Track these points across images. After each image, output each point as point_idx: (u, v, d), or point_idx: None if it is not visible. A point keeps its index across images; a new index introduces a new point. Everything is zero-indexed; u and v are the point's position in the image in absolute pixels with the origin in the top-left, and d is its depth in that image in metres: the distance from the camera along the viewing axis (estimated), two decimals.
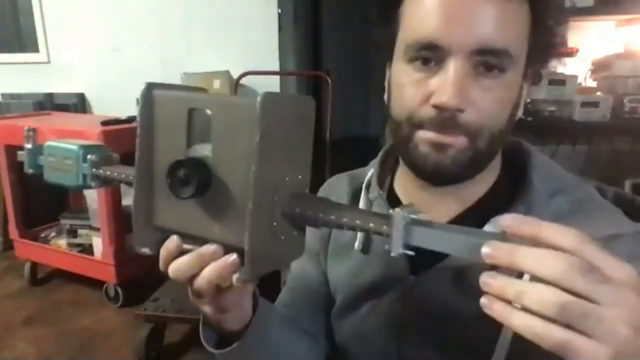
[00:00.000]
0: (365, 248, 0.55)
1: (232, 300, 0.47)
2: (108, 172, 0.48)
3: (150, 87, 0.43)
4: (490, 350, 0.50)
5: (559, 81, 2.20)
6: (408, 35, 0.51)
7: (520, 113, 0.56)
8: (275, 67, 2.89)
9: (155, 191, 0.43)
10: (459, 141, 0.50)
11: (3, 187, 2.47)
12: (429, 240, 0.35)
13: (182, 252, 0.43)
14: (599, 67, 2.35)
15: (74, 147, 0.47)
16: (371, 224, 0.37)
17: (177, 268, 0.43)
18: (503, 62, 0.48)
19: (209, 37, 2.93)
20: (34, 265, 2.51)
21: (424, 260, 0.52)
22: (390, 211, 0.35)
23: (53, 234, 2.54)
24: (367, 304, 0.61)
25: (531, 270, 0.30)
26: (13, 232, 2.50)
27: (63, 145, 0.48)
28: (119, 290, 2.23)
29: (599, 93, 2.31)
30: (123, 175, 0.47)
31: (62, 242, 2.45)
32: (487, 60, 0.48)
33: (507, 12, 0.47)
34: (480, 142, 0.50)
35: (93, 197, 2.23)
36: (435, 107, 0.49)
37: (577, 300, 0.28)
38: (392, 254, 0.35)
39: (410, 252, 0.35)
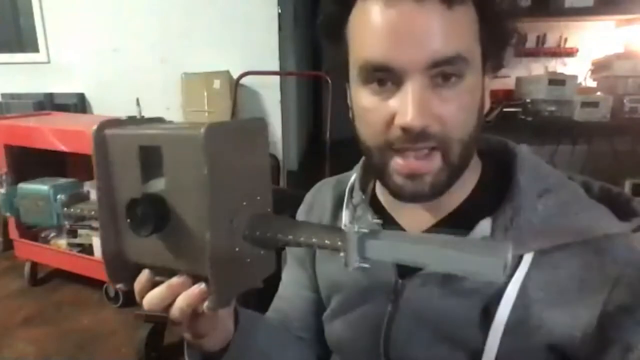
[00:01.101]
0: None
1: (208, 325, 0.48)
2: (79, 211, 0.49)
3: (102, 127, 0.43)
4: (479, 351, 0.51)
5: (559, 81, 2.20)
6: (358, 56, 0.50)
7: (487, 107, 0.55)
8: (275, 67, 2.89)
9: (120, 228, 0.44)
10: (434, 163, 0.49)
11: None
12: (383, 252, 0.35)
13: (155, 284, 0.44)
14: (599, 67, 2.36)
15: (45, 188, 0.48)
16: (327, 241, 0.38)
17: (149, 300, 0.44)
18: (459, 68, 0.47)
19: (209, 37, 2.93)
20: (34, 265, 2.51)
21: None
22: (343, 227, 0.37)
23: (53, 234, 2.54)
24: (357, 308, 0.61)
25: None
26: (13, 232, 2.50)
27: (34, 187, 0.49)
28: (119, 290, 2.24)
29: (599, 93, 2.31)
30: (93, 212, 0.48)
31: (62, 242, 2.45)
32: (443, 70, 0.47)
33: (452, 20, 0.46)
34: (453, 156, 0.50)
35: (92, 197, 2.22)
36: (401, 128, 0.48)
37: None
38: (349, 269, 0.36)
39: (366, 265, 0.36)
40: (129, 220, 0.39)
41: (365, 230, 0.35)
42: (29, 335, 2.07)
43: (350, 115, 0.56)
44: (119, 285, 0.46)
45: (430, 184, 0.50)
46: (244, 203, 0.41)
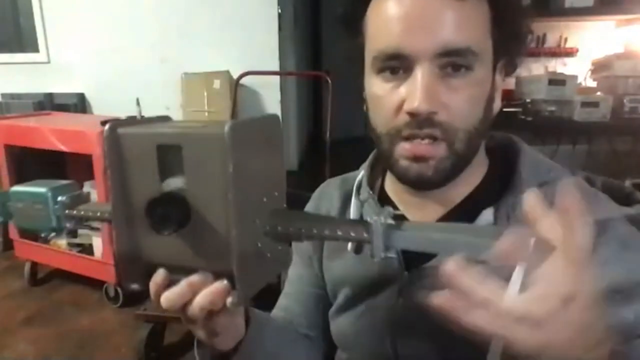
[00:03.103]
0: (358, 248, 0.56)
1: (224, 323, 0.48)
2: (83, 212, 0.48)
3: (114, 127, 0.43)
4: (486, 344, 0.51)
5: (559, 81, 2.20)
6: (373, 47, 0.53)
7: (498, 106, 0.56)
8: (275, 67, 2.89)
9: (135, 228, 0.43)
10: (439, 150, 0.51)
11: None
12: (408, 242, 0.37)
13: (170, 283, 0.43)
14: (599, 67, 2.35)
15: (43, 190, 0.46)
16: (352, 233, 0.39)
17: (169, 299, 0.43)
18: (469, 60, 0.49)
19: (209, 37, 2.93)
20: (34, 265, 2.51)
21: (418, 256, 0.53)
22: (369, 219, 0.37)
23: (53, 234, 2.54)
24: (363, 302, 0.62)
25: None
26: (13, 232, 2.50)
27: (30, 190, 0.47)
28: (119, 290, 2.23)
29: (599, 93, 2.31)
30: (98, 213, 0.47)
31: (62, 242, 2.45)
32: (452, 60, 0.49)
33: (465, 12, 0.48)
34: (458, 145, 0.51)
35: (93, 197, 2.22)
36: (408, 113, 0.50)
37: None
38: (375, 260, 0.37)
39: (392, 255, 0.37)
40: (149, 220, 0.39)
41: (392, 222, 0.37)
42: (29, 335, 2.07)
43: (365, 107, 0.58)
44: (133, 286, 0.45)
45: (434, 168, 0.52)
46: (264, 199, 0.42)
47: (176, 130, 0.42)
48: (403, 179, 0.55)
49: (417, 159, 0.51)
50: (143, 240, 0.43)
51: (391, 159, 0.54)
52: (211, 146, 0.38)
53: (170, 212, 0.38)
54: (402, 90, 0.50)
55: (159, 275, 0.44)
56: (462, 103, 0.50)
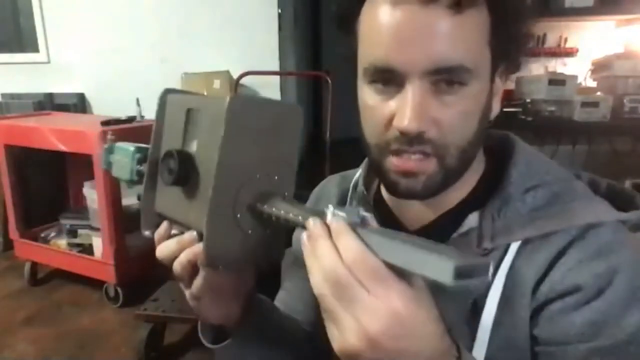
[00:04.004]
0: None
1: (203, 286, 0.49)
2: (143, 168, 0.54)
3: (166, 92, 0.49)
4: (469, 347, 0.50)
5: (559, 81, 2.20)
6: (364, 56, 0.51)
7: (497, 111, 0.55)
8: (275, 67, 2.89)
9: (157, 180, 0.49)
10: (429, 166, 0.49)
11: (3, 187, 2.46)
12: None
13: (170, 238, 0.48)
14: (599, 67, 2.36)
15: (131, 149, 0.53)
16: (300, 218, 0.39)
17: (160, 250, 0.48)
18: (462, 77, 0.47)
19: (209, 37, 2.93)
20: (34, 265, 2.51)
21: None
22: (325, 209, 0.38)
23: (53, 234, 2.54)
24: None
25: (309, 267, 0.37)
26: (13, 232, 2.50)
27: (124, 146, 0.54)
28: (119, 290, 2.23)
29: (599, 93, 2.31)
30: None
31: (62, 242, 2.45)
32: (444, 77, 0.47)
33: (459, 25, 0.45)
34: (449, 160, 0.50)
35: (93, 197, 2.23)
36: (397, 130, 0.48)
37: (328, 300, 0.36)
38: None
39: None
40: (160, 169, 0.45)
41: (343, 215, 0.37)
42: (29, 335, 2.07)
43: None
44: (146, 232, 0.51)
45: (423, 183, 0.50)
46: (257, 176, 0.43)
47: (201, 96, 0.46)
48: (392, 192, 0.54)
49: (406, 174, 0.50)
50: (159, 191, 0.49)
51: (380, 170, 0.53)
52: (216, 111, 0.41)
53: (175, 166, 0.43)
54: (393, 104, 0.49)
55: (162, 226, 0.49)
56: (454, 119, 0.48)
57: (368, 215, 0.38)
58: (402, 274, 0.34)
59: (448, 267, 0.30)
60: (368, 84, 0.51)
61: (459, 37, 0.46)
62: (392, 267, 0.34)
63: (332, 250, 0.36)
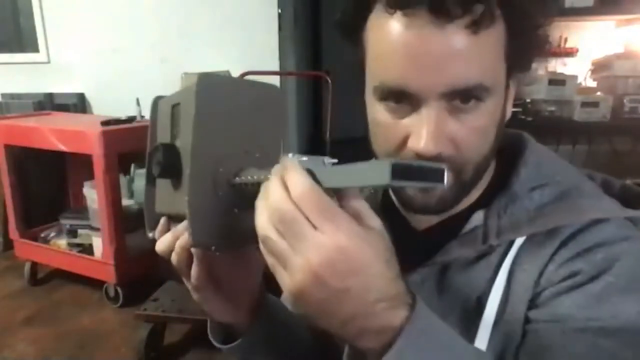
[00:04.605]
0: None
1: (200, 274, 0.49)
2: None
3: (157, 99, 0.51)
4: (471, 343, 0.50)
5: (559, 81, 2.20)
6: (375, 75, 0.49)
7: (509, 115, 0.54)
8: (275, 67, 2.89)
9: (156, 182, 0.50)
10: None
11: (3, 187, 2.47)
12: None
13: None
14: (599, 67, 2.35)
15: (141, 171, 0.55)
16: (262, 176, 0.39)
17: (158, 244, 0.48)
18: (479, 94, 0.46)
19: (209, 37, 2.92)
20: (34, 265, 2.51)
21: (412, 259, 0.53)
22: (282, 157, 0.38)
23: (53, 234, 2.54)
24: None
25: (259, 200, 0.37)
26: (13, 232, 2.50)
27: (141, 172, 0.57)
28: (119, 290, 2.23)
29: (599, 93, 2.31)
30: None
31: (62, 242, 2.45)
32: (461, 96, 0.46)
33: (477, 45, 0.43)
34: (465, 175, 0.50)
35: (93, 197, 2.22)
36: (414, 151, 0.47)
37: (273, 241, 0.35)
38: None
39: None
40: (148, 163, 0.46)
41: (304, 158, 0.37)
42: (29, 335, 2.07)
43: (366, 111, 0.55)
44: (150, 234, 0.52)
45: (438, 197, 0.50)
46: (238, 153, 0.43)
47: (184, 89, 0.46)
48: (407, 207, 0.54)
49: (422, 189, 0.50)
50: (158, 192, 0.50)
51: (395, 187, 0.52)
52: (190, 97, 0.42)
53: (160, 157, 0.44)
54: (407, 123, 0.47)
55: (160, 222, 0.50)
56: (470, 137, 0.47)
57: (332, 161, 0.37)
58: (358, 217, 0.35)
59: (385, 166, 0.29)
60: (379, 101, 0.49)
61: (477, 57, 0.44)
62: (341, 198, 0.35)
63: (279, 187, 0.35)
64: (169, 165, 0.43)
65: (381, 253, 0.35)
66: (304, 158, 0.37)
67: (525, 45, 0.49)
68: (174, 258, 0.47)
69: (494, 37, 0.45)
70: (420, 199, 0.51)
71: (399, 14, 0.44)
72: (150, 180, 0.50)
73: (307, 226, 0.33)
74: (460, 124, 0.46)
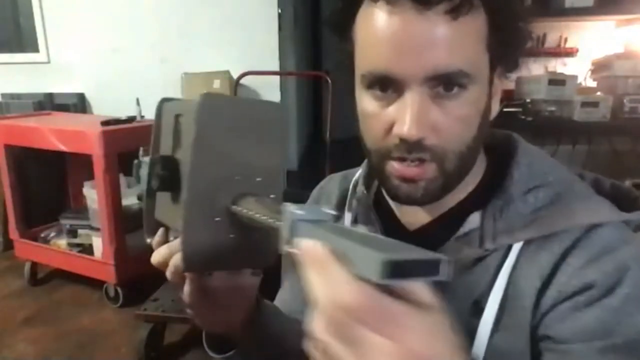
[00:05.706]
0: None
1: (195, 292, 0.48)
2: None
3: (163, 101, 0.50)
4: (469, 346, 0.50)
5: (559, 81, 2.20)
6: (361, 64, 0.51)
7: (495, 111, 0.55)
8: (275, 67, 2.89)
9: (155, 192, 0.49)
10: (428, 171, 0.49)
11: (3, 187, 2.47)
12: (310, 235, 0.32)
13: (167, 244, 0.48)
14: (599, 67, 2.36)
15: (146, 159, 0.52)
16: (264, 217, 0.36)
17: (154, 256, 0.48)
18: (461, 81, 0.47)
19: (209, 37, 2.93)
20: (34, 265, 2.51)
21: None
22: (282, 206, 0.34)
23: (53, 234, 2.54)
24: None
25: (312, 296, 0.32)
26: (13, 232, 2.50)
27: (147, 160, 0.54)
28: (119, 290, 2.23)
29: (599, 93, 2.31)
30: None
31: (62, 242, 2.45)
32: (443, 82, 0.47)
33: (457, 30, 0.45)
34: (449, 165, 0.50)
35: (93, 197, 2.23)
36: (398, 137, 0.48)
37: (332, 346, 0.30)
38: (280, 252, 0.34)
39: (296, 251, 0.32)
40: (149, 175, 0.45)
41: (302, 212, 0.32)
42: (29, 335, 2.07)
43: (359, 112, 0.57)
44: (148, 240, 0.52)
45: (424, 189, 0.51)
46: (236, 178, 0.42)
47: (185, 100, 0.46)
48: (393, 197, 0.54)
49: (406, 180, 0.51)
50: (158, 199, 0.49)
51: (382, 175, 0.53)
52: (192, 113, 0.41)
53: (160, 171, 0.43)
54: (392, 110, 0.49)
55: (158, 233, 0.50)
56: (453, 125, 0.48)
57: (331, 212, 0.34)
58: (409, 296, 0.29)
59: (376, 260, 0.26)
60: (366, 90, 0.51)
61: (457, 43, 0.46)
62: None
63: (326, 293, 0.30)
64: (168, 179, 0.43)
65: (449, 337, 0.31)
66: (300, 212, 0.32)
67: (507, 38, 0.50)
68: (167, 274, 0.47)
69: (474, 25, 0.47)
70: (405, 189, 0.51)
71: (382, 2, 0.46)
72: (150, 190, 0.48)
73: (370, 333, 0.28)
74: (443, 112, 0.48)
